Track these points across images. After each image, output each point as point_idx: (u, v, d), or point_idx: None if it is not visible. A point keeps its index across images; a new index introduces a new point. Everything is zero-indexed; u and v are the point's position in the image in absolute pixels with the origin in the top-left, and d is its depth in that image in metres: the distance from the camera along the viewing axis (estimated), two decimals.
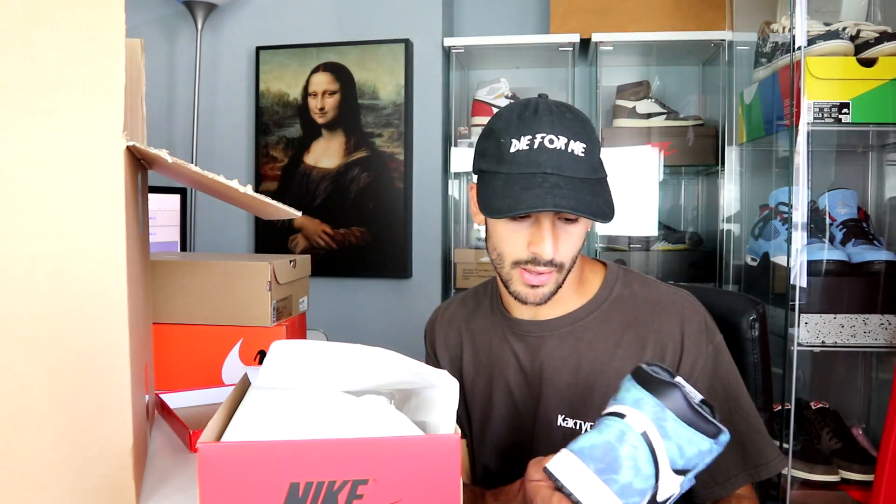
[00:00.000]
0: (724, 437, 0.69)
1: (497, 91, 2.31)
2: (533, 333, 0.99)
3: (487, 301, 1.08)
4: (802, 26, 1.61)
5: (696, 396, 0.71)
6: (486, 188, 0.90)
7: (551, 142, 0.86)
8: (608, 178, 0.92)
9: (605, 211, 0.86)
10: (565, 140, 0.86)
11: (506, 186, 0.87)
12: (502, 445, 1.01)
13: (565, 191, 0.84)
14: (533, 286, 0.91)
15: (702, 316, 0.96)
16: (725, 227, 2.17)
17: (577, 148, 0.86)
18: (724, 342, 0.96)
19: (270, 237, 2.45)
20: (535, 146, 0.86)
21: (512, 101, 2.30)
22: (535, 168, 0.85)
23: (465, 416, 1.06)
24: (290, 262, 1.34)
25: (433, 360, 1.11)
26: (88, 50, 0.69)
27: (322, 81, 2.37)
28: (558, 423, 0.95)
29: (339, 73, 2.36)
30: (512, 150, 0.87)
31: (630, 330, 0.95)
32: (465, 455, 1.06)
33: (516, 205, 0.84)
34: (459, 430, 0.65)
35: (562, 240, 0.89)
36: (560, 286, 0.93)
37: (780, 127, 1.75)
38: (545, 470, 0.70)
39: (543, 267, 0.89)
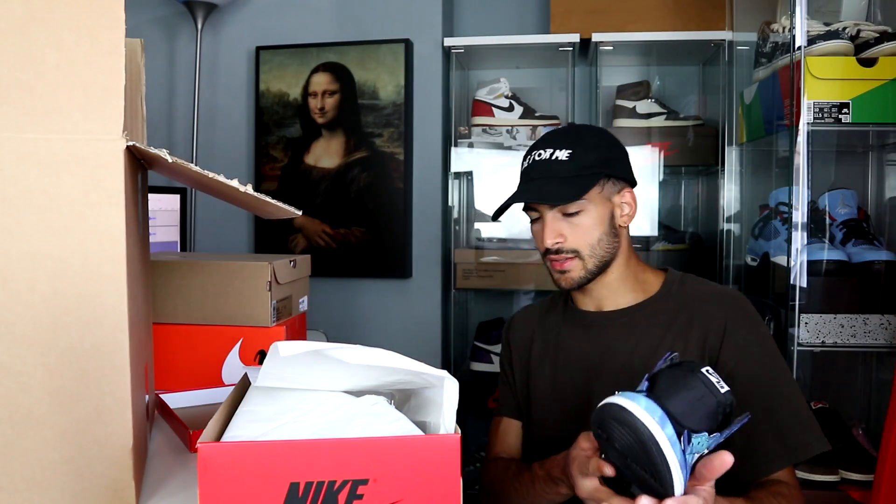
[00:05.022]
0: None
1: (497, 91, 2.31)
2: (596, 322, 1.13)
3: (561, 300, 1.23)
4: (802, 26, 1.61)
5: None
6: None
7: (539, 155, 1.08)
8: (602, 168, 1.08)
9: (561, 195, 1.05)
10: (550, 151, 1.07)
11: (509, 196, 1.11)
12: (562, 421, 1.13)
13: (535, 187, 1.07)
14: (561, 271, 1.09)
15: (748, 307, 1.07)
16: (725, 227, 2.17)
17: (562, 154, 1.06)
18: (769, 332, 1.07)
19: (270, 237, 2.45)
20: (530, 162, 1.10)
21: (512, 100, 2.31)
22: (527, 178, 1.10)
23: (525, 398, 1.20)
24: (290, 262, 1.34)
25: (507, 350, 1.26)
26: (88, 50, 0.70)
27: (322, 81, 2.37)
28: None
29: (339, 73, 2.36)
30: (522, 169, 1.12)
31: (680, 315, 1.07)
32: (517, 435, 1.22)
33: (500, 209, 1.10)
34: (459, 430, 0.65)
35: (565, 230, 1.07)
36: (593, 274, 1.08)
37: (780, 127, 1.75)
38: (607, 404, 0.76)
39: (557, 255, 1.08)
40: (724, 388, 0.75)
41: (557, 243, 1.06)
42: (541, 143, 1.09)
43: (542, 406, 1.16)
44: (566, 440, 1.05)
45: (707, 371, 0.76)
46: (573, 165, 1.05)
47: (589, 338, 1.13)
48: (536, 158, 1.08)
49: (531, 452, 1.18)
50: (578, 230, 1.06)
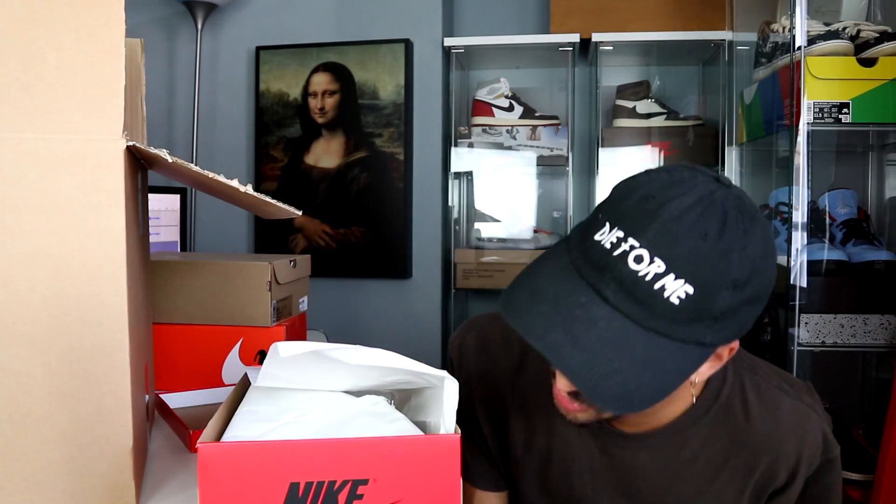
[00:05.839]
0: None
1: (497, 91, 2.31)
2: (617, 444, 0.81)
3: (539, 364, 0.84)
4: (802, 26, 1.61)
5: None
6: (543, 257, 0.70)
7: (638, 260, 0.60)
8: (717, 345, 0.65)
9: (615, 394, 0.60)
10: (661, 269, 0.60)
11: (548, 277, 0.67)
12: None
13: (592, 335, 0.61)
14: (564, 409, 0.72)
15: (822, 434, 0.81)
16: None
17: (674, 288, 0.60)
18: (839, 458, 0.82)
19: (270, 237, 2.45)
20: (617, 252, 0.62)
21: (512, 100, 2.30)
22: (595, 279, 0.63)
23: (507, 474, 0.92)
24: (290, 262, 1.34)
25: (468, 405, 0.89)
26: (88, 50, 0.70)
27: (322, 81, 2.37)
28: None
29: (339, 73, 2.36)
30: (597, 236, 0.64)
31: (738, 454, 0.80)
32: None
33: (519, 316, 0.64)
34: (459, 430, 0.65)
35: None
36: (610, 419, 0.75)
37: (780, 127, 1.75)
38: None
39: (568, 395, 0.70)
40: None
41: (574, 392, 0.69)
42: (651, 233, 0.61)
43: (528, 496, 0.90)
44: None
45: None
46: (679, 317, 0.61)
47: (605, 460, 0.82)
48: (631, 264, 0.61)
49: None
50: None
